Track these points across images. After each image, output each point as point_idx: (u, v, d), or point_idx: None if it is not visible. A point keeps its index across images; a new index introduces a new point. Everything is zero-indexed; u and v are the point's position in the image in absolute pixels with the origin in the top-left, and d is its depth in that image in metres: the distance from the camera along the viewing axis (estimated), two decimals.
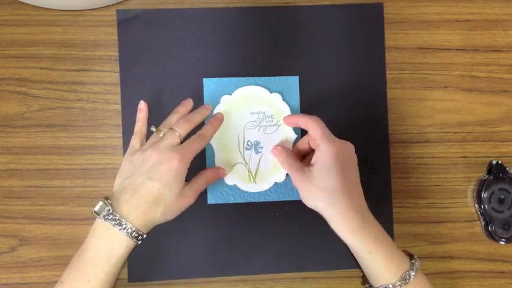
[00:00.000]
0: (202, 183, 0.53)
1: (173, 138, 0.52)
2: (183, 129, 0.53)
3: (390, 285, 0.48)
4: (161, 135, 0.53)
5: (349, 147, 0.52)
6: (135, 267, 0.56)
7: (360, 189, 0.51)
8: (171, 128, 0.53)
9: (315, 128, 0.51)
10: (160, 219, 0.50)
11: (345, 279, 0.57)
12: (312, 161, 0.51)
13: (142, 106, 0.56)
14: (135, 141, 0.55)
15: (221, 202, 0.57)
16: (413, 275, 0.48)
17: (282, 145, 0.56)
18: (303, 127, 0.53)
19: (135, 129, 0.56)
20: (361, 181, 0.57)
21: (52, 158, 0.57)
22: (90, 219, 0.56)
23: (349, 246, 0.50)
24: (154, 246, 0.56)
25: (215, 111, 0.57)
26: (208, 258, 0.57)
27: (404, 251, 0.51)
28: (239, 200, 0.57)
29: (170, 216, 0.51)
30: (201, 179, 0.53)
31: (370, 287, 0.51)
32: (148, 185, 0.49)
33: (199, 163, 0.56)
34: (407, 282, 0.47)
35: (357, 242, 0.48)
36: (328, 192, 0.49)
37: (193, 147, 0.52)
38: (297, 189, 0.52)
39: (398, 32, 0.59)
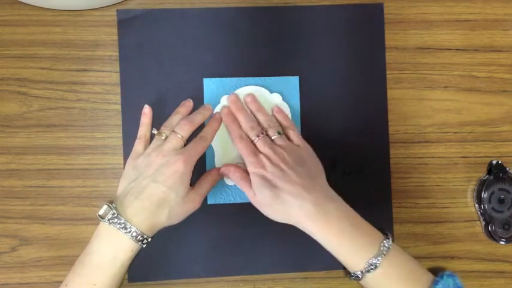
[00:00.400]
0: (207, 187, 0.54)
1: (176, 141, 0.52)
2: (185, 131, 0.53)
3: (358, 272, 0.48)
4: (163, 137, 0.53)
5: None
6: (135, 267, 0.56)
7: (310, 184, 0.50)
8: (173, 131, 0.53)
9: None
10: (165, 222, 0.50)
11: (345, 279, 0.57)
12: None
13: (147, 110, 0.56)
14: (138, 145, 0.55)
15: (221, 202, 0.57)
16: (380, 259, 0.47)
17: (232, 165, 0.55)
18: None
19: (138, 134, 0.55)
20: (360, 181, 0.57)
21: (52, 158, 0.57)
22: (90, 219, 0.56)
23: None
24: (154, 246, 0.56)
25: (215, 111, 0.57)
26: (208, 258, 0.57)
27: (381, 231, 0.50)
28: (239, 200, 0.57)
29: (176, 219, 0.51)
30: (206, 183, 0.54)
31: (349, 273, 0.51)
32: (153, 188, 0.49)
33: (199, 163, 0.56)
34: (376, 266, 0.47)
35: (320, 240, 0.49)
36: (265, 206, 0.51)
37: (197, 149, 0.52)
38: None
39: (398, 32, 0.59)
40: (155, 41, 0.57)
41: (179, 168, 0.50)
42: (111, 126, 0.57)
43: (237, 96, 0.56)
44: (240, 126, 0.54)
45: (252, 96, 0.56)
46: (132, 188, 0.50)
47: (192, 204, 0.52)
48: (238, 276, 0.57)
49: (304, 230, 0.50)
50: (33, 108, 0.57)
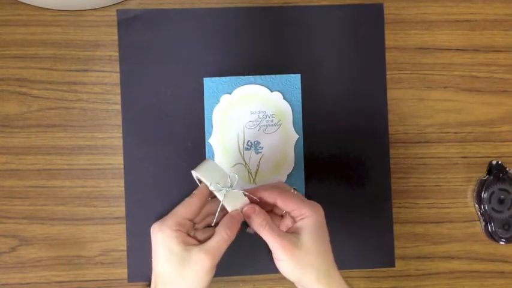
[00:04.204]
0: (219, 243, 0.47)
1: None
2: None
3: None
4: None
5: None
6: (135, 267, 0.56)
7: None
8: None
9: (290, 200, 0.46)
10: None
11: (344, 279, 0.57)
12: (294, 229, 0.46)
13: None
14: None
15: None
16: None
17: (256, 206, 0.47)
18: (269, 201, 0.47)
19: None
20: (360, 181, 0.57)
21: (52, 158, 0.57)
22: (90, 220, 0.56)
23: None
24: None
25: (215, 111, 0.57)
26: None
27: None
28: None
29: None
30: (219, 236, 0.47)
31: None
32: None
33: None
34: None
35: None
36: (323, 263, 0.45)
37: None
38: (280, 259, 0.45)
39: (398, 32, 0.59)
40: (155, 41, 0.57)
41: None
42: (111, 126, 0.57)
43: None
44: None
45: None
46: None
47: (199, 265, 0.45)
48: (238, 276, 0.57)
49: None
50: (33, 108, 0.57)
